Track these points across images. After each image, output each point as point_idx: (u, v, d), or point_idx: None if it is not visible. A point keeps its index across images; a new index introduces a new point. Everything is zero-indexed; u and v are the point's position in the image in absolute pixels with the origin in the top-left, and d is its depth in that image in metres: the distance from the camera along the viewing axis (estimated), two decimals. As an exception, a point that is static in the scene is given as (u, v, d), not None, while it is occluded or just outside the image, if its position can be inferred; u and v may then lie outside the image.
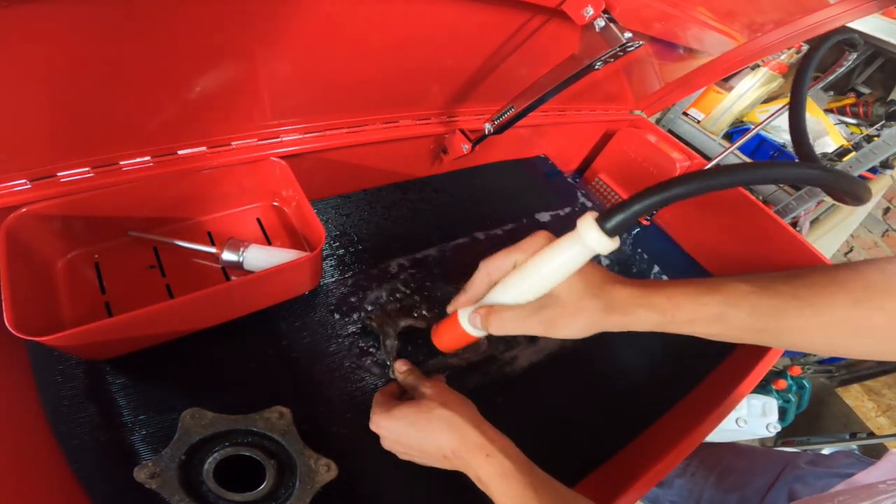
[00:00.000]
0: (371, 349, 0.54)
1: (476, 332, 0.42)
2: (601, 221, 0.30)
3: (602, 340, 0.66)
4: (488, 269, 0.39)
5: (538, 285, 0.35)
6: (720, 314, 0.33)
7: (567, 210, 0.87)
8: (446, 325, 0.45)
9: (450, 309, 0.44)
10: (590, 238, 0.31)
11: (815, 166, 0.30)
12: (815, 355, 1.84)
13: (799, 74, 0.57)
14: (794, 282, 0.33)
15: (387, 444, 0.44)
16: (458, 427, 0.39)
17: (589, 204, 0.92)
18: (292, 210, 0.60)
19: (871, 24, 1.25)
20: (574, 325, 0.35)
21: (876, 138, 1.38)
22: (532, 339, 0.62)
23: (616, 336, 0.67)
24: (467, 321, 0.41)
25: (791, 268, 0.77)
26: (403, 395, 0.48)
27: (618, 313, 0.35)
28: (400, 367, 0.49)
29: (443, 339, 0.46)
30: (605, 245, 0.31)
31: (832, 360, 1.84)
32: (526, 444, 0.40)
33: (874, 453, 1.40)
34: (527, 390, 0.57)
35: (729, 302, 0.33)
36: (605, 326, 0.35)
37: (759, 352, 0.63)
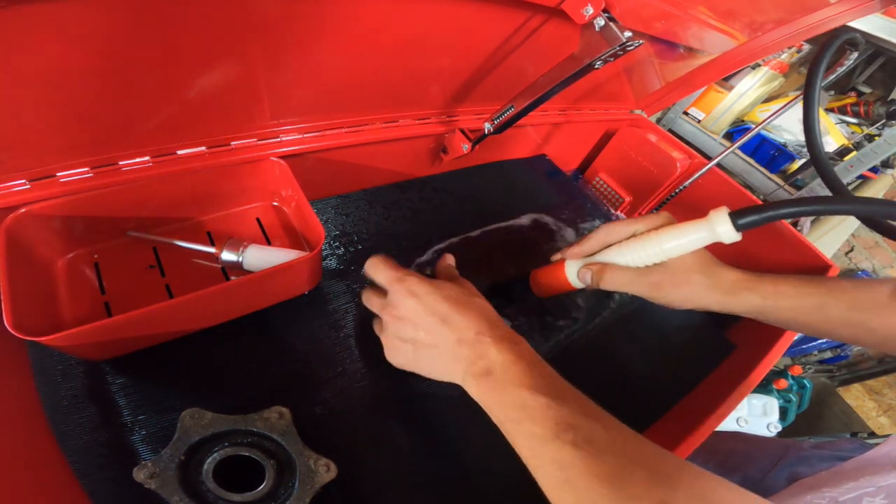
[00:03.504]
0: (371, 349, 0.54)
1: (578, 284, 0.46)
2: (734, 217, 0.35)
3: (602, 340, 0.66)
4: (608, 231, 0.42)
5: (656, 255, 0.40)
6: (821, 305, 0.36)
7: (567, 210, 0.87)
8: (549, 271, 0.48)
9: (555, 258, 0.48)
10: (720, 228, 0.36)
11: None
12: (815, 355, 1.84)
13: (810, 76, 0.59)
14: (891, 282, 0.36)
15: (401, 321, 0.40)
16: (491, 316, 0.39)
17: (589, 204, 0.92)
18: (292, 210, 0.60)
19: (872, 24, 1.25)
20: (678, 293, 0.39)
21: (877, 137, 1.38)
22: (535, 340, 0.62)
23: (616, 336, 0.67)
24: (575, 273, 0.45)
25: (792, 267, 0.77)
26: None
27: (722, 292, 0.39)
28: (448, 259, 0.47)
29: (542, 284, 0.49)
30: (731, 237, 0.36)
31: (833, 360, 1.84)
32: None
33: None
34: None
35: (831, 294, 0.36)
36: (705, 301, 0.40)
37: (759, 352, 0.62)
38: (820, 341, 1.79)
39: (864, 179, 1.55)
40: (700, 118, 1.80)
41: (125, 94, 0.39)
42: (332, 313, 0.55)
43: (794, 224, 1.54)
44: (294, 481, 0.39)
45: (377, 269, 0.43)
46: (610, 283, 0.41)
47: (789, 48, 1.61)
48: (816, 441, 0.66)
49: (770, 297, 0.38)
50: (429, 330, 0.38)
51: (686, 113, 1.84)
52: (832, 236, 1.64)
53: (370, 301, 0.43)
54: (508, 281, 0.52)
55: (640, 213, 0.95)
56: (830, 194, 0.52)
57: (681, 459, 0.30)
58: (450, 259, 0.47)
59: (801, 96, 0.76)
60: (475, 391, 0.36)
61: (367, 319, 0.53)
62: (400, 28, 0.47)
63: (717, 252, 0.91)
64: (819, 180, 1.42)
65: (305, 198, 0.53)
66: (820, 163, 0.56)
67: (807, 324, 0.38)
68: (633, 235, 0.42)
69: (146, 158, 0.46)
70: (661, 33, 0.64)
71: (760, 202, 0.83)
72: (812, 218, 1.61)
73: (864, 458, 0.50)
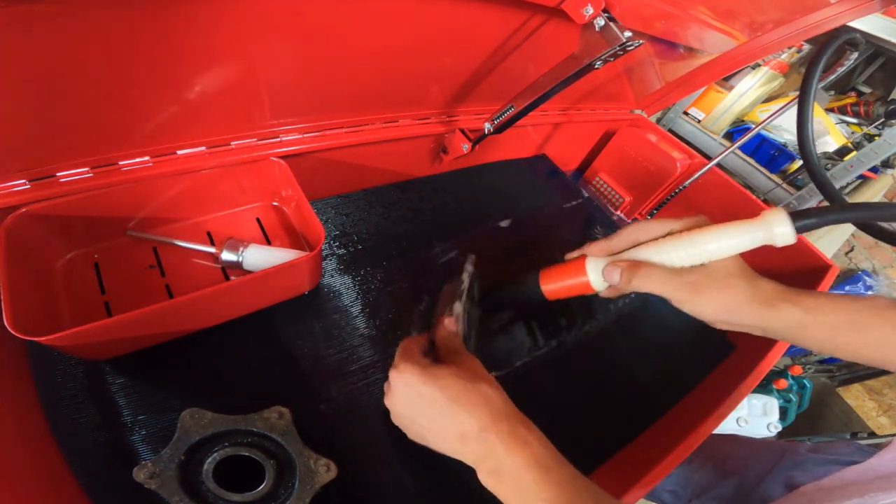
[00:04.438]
0: (371, 349, 0.54)
1: (599, 284, 0.42)
2: (795, 218, 0.33)
3: (602, 340, 0.66)
4: (639, 229, 0.39)
5: (698, 255, 0.37)
6: (861, 322, 0.34)
7: (567, 210, 0.87)
8: (564, 270, 0.44)
9: (571, 256, 0.44)
10: (780, 229, 0.34)
11: None
12: (815, 355, 1.84)
13: (807, 77, 0.58)
14: None
15: (401, 406, 0.38)
16: (497, 405, 0.35)
17: (589, 204, 0.91)
18: (292, 210, 0.60)
19: (872, 24, 1.25)
20: (717, 299, 0.36)
21: (877, 137, 1.38)
22: (535, 340, 0.62)
23: (616, 336, 0.67)
24: (599, 271, 0.41)
25: (792, 267, 0.77)
26: (428, 356, 0.42)
27: (761, 304, 0.36)
28: (449, 325, 0.43)
29: (555, 284, 0.44)
30: (789, 239, 0.34)
31: (833, 360, 1.83)
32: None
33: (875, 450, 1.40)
34: (527, 390, 0.57)
35: (873, 312, 0.34)
36: (743, 313, 0.36)
37: (759, 352, 0.62)
38: (820, 341, 1.79)
39: (864, 179, 1.55)
40: (700, 118, 1.80)
41: (125, 94, 0.39)
42: (332, 313, 0.55)
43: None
44: (294, 481, 0.39)
45: (397, 350, 0.41)
46: (643, 283, 0.37)
47: (789, 48, 1.61)
48: (813, 444, 0.66)
49: (811, 310, 0.35)
50: (429, 421, 0.36)
51: (686, 113, 1.84)
52: (832, 236, 1.64)
53: (387, 382, 0.41)
54: (512, 281, 0.47)
55: (640, 214, 0.95)
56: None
57: None
58: (451, 325, 0.43)
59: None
60: (485, 483, 0.34)
61: (467, 262, 0.52)
62: (400, 28, 0.47)
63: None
64: (819, 180, 1.42)
65: (305, 198, 0.53)
66: (811, 164, 0.56)
67: (842, 343, 0.35)
68: (669, 234, 0.39)
69: (146, 158, 0.46)
70: (661, 33, 0.64)
71: (760, 202, 0.83)
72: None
73: (865, 469, 0.49)
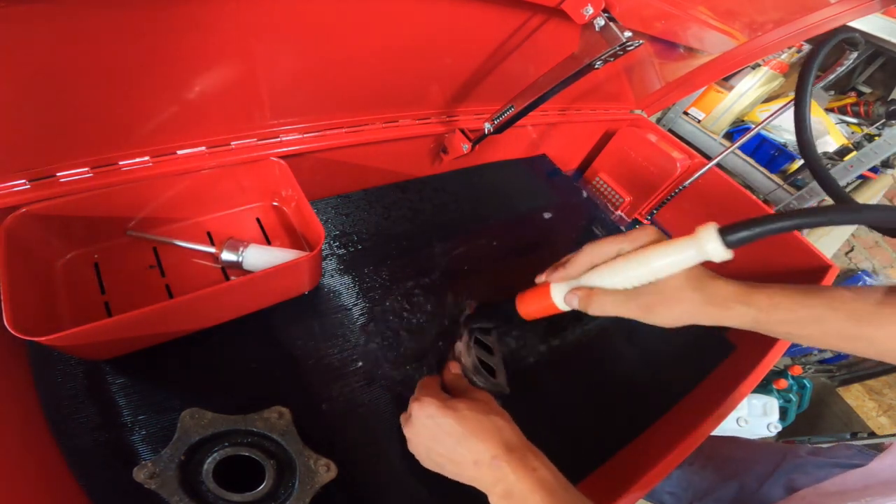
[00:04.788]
0: (371, 349, 0.54)
1: (565, 308, 0.44)
2: (724, 233, 0.33)
3: (602, 340, 0.66)
4: (592, 252, 0.40)
5: (644, 275, 0.37)
6: (819, 316, 0.35)
7: (567, 210, 0.87)
8: (535, 295, 0.46)
9: (540, 279, 0.45)
10: (709, 246, 0.33)
11: None
12: (815, 355, 1.84)
13: (802, 75, 0.58)
14: (889, 290, 0.34)
15: (421, 436, 0.42)
16: (508, 436, 0.39)
17: (589, 204, 0.91)
18: (292, 210, 0.60)
19: (872, 24, 1.25)
20: (670, 312, 0.37)
21: (877, 137, 1.38)
22: (533, 341, 0.62)
23: (616, 336, 0.67)
24: (561, 298, 0.43)
25: (792, 267, 0.77)
26: (444, 391, 0.46)
27: (716, 307, 0.37)
28: (454, 369, 0.49)
29: (529, 308, 0.47)
30: (721, 255, 0.33)
31: (833, 360, 1.83)
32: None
33: (875, 452, 1.40)
34: (527, 390, 0.57)
35: (830, 305, 0.34)
36: (699, 318, 0.37)
37: (759, 352, 0.62)
38: (820, 341, 1.79)
39: (864, 179, 1.55)
40: (700, 118, 1.80)
41: (125, 94, 0.39)
42: (332, 313, 0.55)
43: (794, 224, 1.54)
44: (294, 481, 0.39)
45: (418, 384, 0.46)
46: (599, 309, 0.40)
47: (789, 48, 1.61)
48: (814, 447, 0.66)
49: (765, 309, 0.36)
50: (446, 450, 0.40)
51: (686, 113, 1.83)
52: (832, 236, 1.64)
53: (405, 413, 0.45)
54: (495, 304, 0.50)
55: (640, 214, 0.95)
56: (829, 201, 0.51)
57: None
58: (454, 368, 0.49)
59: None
60: None
61: (467, 306, 0.55)
62: (400, 28, 0.47)
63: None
64: (819, 180, 1.42)
65: (305, 198, 0.53)
66: (811, 159, 0.56)
67: (804, 336, 0.36)
68: (619, 255, 0.39)
69: (146, 158, 0.46)
70: (661, 33, 0.64)
71: (760, 202, 0.83)
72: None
73: (864, 473, 0.49)
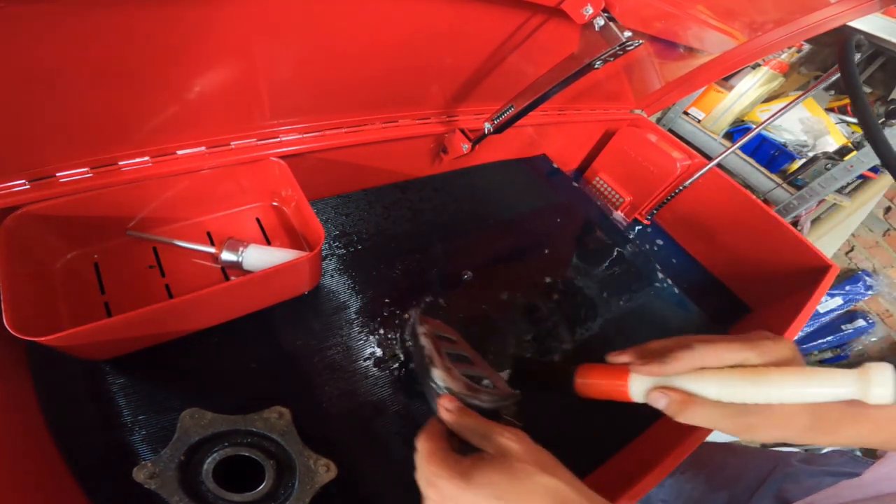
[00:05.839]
0: (370, 350, 0.54)
1: (639, 399, 0.37)
2: None
3: (602, 340, 0.66)
4: (704, 354, 0.33)
5: (769, 398, 0.31)
6: None
7: (567, 210, 0.87)
8: (604, 376, 0.39)
9: (617, 360, 0.38)
10: (877, 391, 0.28)
11: None
12: (815, 355, 1.84)
13: (849, 82, 0.53)
14: None
15: None
16: (566, 501, 0.29)
17: (589, 204, 0.91)
18: (292, 210, 0.60)
19: (872, 24, 1.25)
20: (769, 435, 0.32)
21: (877, 137, 1.38)
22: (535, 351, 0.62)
23: (616, 335, 0.67)
24: (643, 390, 0.36)
25: (792, 267, 0.77)
26: (451, 441, 0.34)
27: (822, 432, 0.32)
28: (447, 405, 0.34)
29: (592, 389, 0.40)
30: (887, 399, 0.28)
31: (833, 360, 1.83)
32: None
33: (871, 453, 1.40)
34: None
35: None
36: (800, 441, 0.33)
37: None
38: (820, 340, 1.79)
39: (864, 179, 1.55)
40: (700, 118, 1.80)
41: (125, 94, 0.39)
42: (331, 313, 0.55)
43: (795, 224, 1.54)
44: (294, 481, 0.39)
45: (418, 458, 0.33)
46: (691, 419, 0.33)
47: (789, 48, 1.61)
48: (806, 455, 0.65)
49: (872, 433, 0.32)
50: None
51: (686, 113, 1.83)
52: (832, 236, 1.64)
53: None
54: (547, 366, 0.43)
55: (640, 213, 0.95)
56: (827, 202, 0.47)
57: None
58: (450, 405, 0.35)
59: (803, 96, 0.76)
60: None
61: (416, 322, 0.44)
62: (399, 28, 0.47)
63: (723, 260, 0.88)
64: (819, 180, 1.42)
65: (305, 198, 0.53)
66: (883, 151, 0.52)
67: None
68: (739, 365, 0.33)
69: (146, 158, 0.46)
70: (660, 33, 0.64)
71: (760, 203, 0.83)
72: (812, 217, 1.61)
73: (855, 485, 0.48)
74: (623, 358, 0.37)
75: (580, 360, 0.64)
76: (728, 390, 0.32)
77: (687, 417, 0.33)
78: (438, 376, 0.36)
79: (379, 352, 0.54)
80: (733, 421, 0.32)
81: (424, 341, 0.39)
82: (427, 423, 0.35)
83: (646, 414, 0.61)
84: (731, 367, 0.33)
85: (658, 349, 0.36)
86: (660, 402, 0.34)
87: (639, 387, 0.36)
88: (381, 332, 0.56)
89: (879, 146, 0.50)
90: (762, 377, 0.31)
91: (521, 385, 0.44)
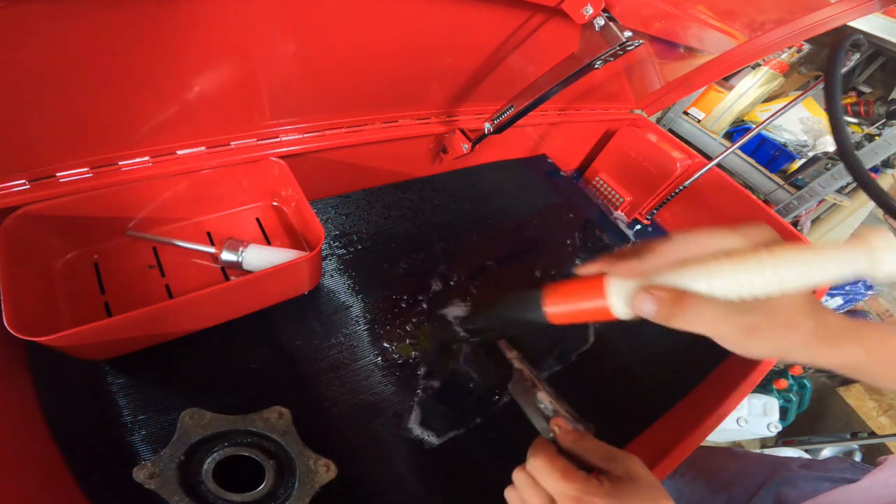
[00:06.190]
0: (371, 349, 0.54)
1: (623, 312, 0.32)
2: None
3: (602, 340, 0.66)
4: (685, 243, 0.30)
5: (766, 286, 0.27)
6: None
7: (567, 210, 0.87)
8: (576, 291, 0.34)
9: (585, 271, 0.34)
10: (888, 257, 0.24)
11: None
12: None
13: (829, 87, 0.53)
14: None
15: None
16: None
17: (589, 204, 0.91)
18: (291, 210, 0.60)
19: (872, 24, 1.25)
20: (773, 342, 0.29)
21: (877, 137, 1.38)
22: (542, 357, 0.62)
23: (615, 336, 0.67)
24: (623, 300, 0.31)
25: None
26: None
27: (825, 344, 0.29)
28: (565, 426, 0.37)
29: (563, 308, 0.35)
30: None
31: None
32: (525, 444, 0.39)
33: (875, 453, 1.40)
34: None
35: None
36: (797, 354, 0.30)
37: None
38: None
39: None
40: (700, 118, 1.80)
41: (125, 94, 0.39)
42: (332, 313, 0.55)
43: (795, 224, 1.54)
44: (294, 481, 0.39)
45: (547, 476, 0.33)
46: (687, 321, 0.29)
47: (789, 48, 1.61)
48: (806, 460, 0.65)
49: (876, 350, 0.29)
50: None
51: (686, 113, 1.84)
52: (832, 236, 1.64)
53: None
54: (508, 297, 0.39)
55: (640, 213, 0.95)
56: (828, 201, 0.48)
57: None
58: (566, 425, 0.37)
59: (803, 96, 0.76)
60: None
61: (502, 345, 0.46)
62: (400, 28, 0.47)
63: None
64: (819, 180, 1.42)
65: (305, 198, 0.53)
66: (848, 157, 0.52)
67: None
68: (728, 254, 0.29)
69: (146, 159, 0.46)
70: (660, 33, 0.64)
71: (761, 202, 0.83)
72: (812, 217, 1.61)
73: (853, 491, 0.48)
74: (593, 266, 0.33)
75: (580, 362, 0.64)
76: (722, 281, 0.28)
77: (682, 320, 0.29)
78: (545, 399, 0.41)
79: (379, 352, 0.54)
80: (734, 321, 0.28)
81: (520, 365, 0.43)
82: (536, 443, 0.36)
83: (644, 414, 0.61)
84: (719, 256, 0.29)
85: (631, 250, 0.32)
86: (647, 307, 0.29)
87: (619, 294, 0.31)
88: (382, 332, 0.56)
89: (848, 158, 0.51)
90: (756, 260, 0.27)
91: (482, 329, 0.42)
